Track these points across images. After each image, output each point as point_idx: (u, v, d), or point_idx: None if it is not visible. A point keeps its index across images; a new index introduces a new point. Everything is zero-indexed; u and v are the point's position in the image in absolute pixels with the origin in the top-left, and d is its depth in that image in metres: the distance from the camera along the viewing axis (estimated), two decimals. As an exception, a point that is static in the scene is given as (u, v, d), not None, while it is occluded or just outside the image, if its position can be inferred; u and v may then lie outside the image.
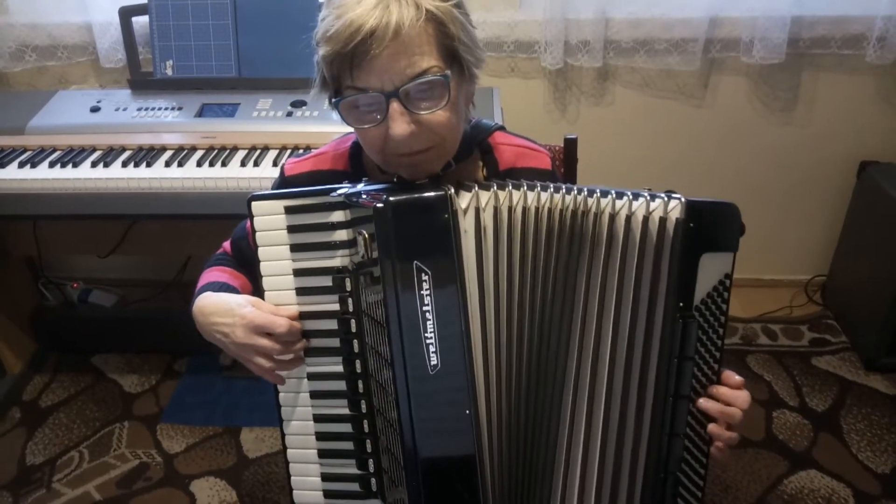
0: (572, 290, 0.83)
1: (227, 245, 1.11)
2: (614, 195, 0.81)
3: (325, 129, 1.78)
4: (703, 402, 0.85)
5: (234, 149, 1.78)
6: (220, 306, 0.92)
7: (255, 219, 0.89)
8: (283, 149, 1.77)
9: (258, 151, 1.76)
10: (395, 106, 0.81)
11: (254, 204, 0.89)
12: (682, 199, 0.80)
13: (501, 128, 1.06)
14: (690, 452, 0.88)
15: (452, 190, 0.81)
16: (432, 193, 0.81)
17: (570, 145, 1.44)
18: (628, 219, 0.81)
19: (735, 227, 0.82)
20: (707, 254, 0.82)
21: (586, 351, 0.85)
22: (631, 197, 0.81)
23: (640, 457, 0.87)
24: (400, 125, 0.82)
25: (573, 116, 2.25)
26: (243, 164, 1.71)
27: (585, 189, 0.82)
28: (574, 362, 0.85)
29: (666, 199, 0.81)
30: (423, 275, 0.80)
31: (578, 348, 0.85)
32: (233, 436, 2.03)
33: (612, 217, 0.81)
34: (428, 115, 0.83)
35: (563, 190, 0.82)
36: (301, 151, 1.77)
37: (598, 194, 0.82)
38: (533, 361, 0.85)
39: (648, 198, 0.81)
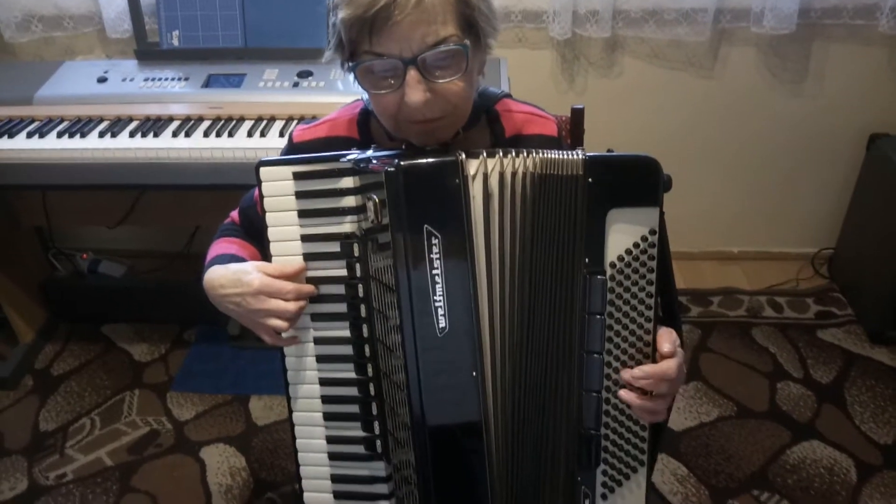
0: (548, 250, 0.85)
1: (234, 214, 1.12)
2: (559, 155, 0.83)
3: (331, 99, 1.78)
4: (624, 373, 0.86)
5: (241, 119, 1.78)
6: (228, 277, 0.93)
7: (263, 184, 0.89)
8: (289, 119, 1.77)
9: (265, 122, 1.76)
10: (412, 73, 0.82)
11: (262, 169, 0.89)
12: (580, 155, 0.81)
13: (508, 95, 1.06)
14: (622, 411, 0.89)
15: (463, 155, 0.81)
16: (444, 158, 0.81)
17: (577, 115, 1.44)
18: (556, 178, 0.83)
19: (650, 182, 0.81)
20: (616, 209, 0.82)
21: (548, 308, 0.86)
22: (555, 156, 0.83)
23: (566, 413, 0.89)
24: (416, 93, 0.82)
25: (581, 88, 2.24)
26: (250, 134, 1.72)
27: (559, 152, 0.84)
28: (551, 322, 0.87)
29: (572, 156, 0.82)
30: (433, 239, 0.81)
31: (547, 305, 0.86)
32: (241, 404, 2.06)
33: (558, 176, 0.83)
34: (444, 84, 0.84)
35: (543, 154, 0.83)
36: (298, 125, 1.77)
37: (560, 155, 0.83)
38: (531, 324, 0.87)
39: (564, 156, 0.82)
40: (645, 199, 0.82)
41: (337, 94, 1.80)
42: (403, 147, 0.89)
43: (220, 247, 1.04)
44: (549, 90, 2.24)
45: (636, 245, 0.83)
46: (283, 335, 0.93)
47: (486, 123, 1.02)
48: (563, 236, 0.84)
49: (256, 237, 1.07)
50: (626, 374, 0.86)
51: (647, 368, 0.85)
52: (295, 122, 1.76)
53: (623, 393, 0.86)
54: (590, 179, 0.81)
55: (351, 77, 1.88)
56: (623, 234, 0.83)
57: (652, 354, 0.87)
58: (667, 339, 0.87)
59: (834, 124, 2.25)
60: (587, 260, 0.83)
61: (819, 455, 1.84)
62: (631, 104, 2.26)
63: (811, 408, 1.97)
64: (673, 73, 2.20)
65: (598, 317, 0.85)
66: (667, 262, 0.86)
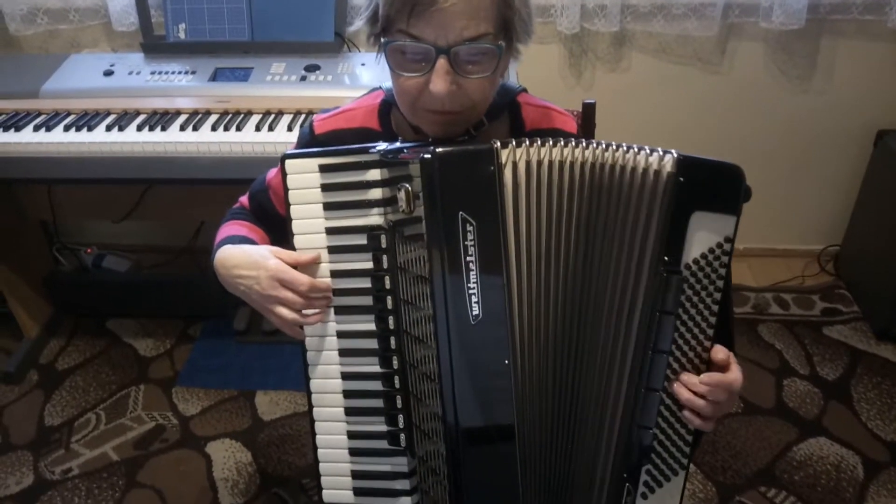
0: (593, 242, 0.84)
1: (244, 199, 1.12)
2: (624, 148, 0.82)
3: (339, 93, 1.77)
4: (685, 377, 0.85)
5: (249, 113, 1.77)
6: (244, 258, 0.93)
7: (288, 177, 0.89)
8: (297, 113, 1.77)
9: (272, 116, 1.75)
10: (441, 62, 0.82)
11: (288, 162, 0.89)
12: (675, 154, 0.81)
13: (525, 90, 1.06)
14: (673, 414, 0.88)
15: (498, 143, 0.81)
16: (479, 147, 0.81)
17: (589, 110, 1.44)
18: (633, 170, 0.82)
19: (734, 190, 0.82)
20: (700, 212, 0.81)
21: (598, 301, 0.86)
22: (636, 150, 0.82)
23: (619, 408, 0.88)
24: (442, 82, 0.82)
25: (588, 83, 2.24)
26: (258, 128, 1.71)
27: (603, 143, 0.83)
28: (590, 312, 0.86)
29: (661, 153, 0.81)
30: (468, 226, 0.81)
31: (594, 299, 0.86)
32: (247, 399, 2.06)
33: (623, 168, 0.82)
34: (470, 80, 0.84)
35: (583, 144, 0.83)
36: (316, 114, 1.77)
37: (613, 147, 0.82)
38: (561, 314, 0.86)
39: (648, 151, 0.81)
40: (727, 206, 0.82)
41: (345, 89, 1.79)
42: (430, 140, 0.89)
43: (230, 228, 1.04)
44: (557, 85, 2.24)
45: (711, 251, 0.82)
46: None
47: (508, 116, 1.02)
48: (627, 230, 0.83)
49: (266, 222, 1.08)
50: (692, 378, 0.85)
51: (716, 377, 0.84)
52: (303, 116, 1.76)
53: (686, 394, 0.85)
54: (681, 178, 0.80)
55: (359, 70, 1.85)
56: (701, 238, 0.82)
57: (707, 361, 0.86)
58: (722, 349, 0.86)
59: (841, 120, 2.25)
60: (667, 258, 0.83)
61: (826, 452, 1.84)
62: (638, 99, 2.25)
63: (818, 405, 1.97)
64: (680, 67, 2.20)
65: (670, 316, 0.84)
66: (729, 277, 0.85)
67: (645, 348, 0.86)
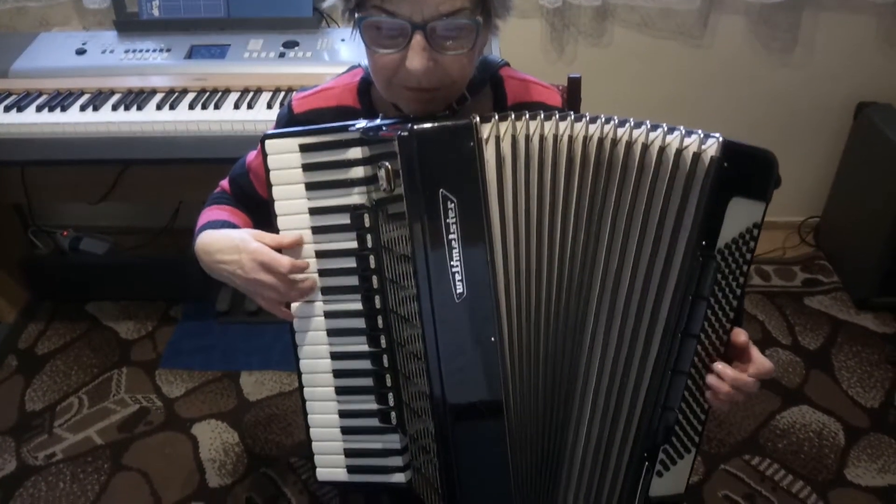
0: (598, 220, 0.82)
1: (224, 183, 1.11)
2: (648, 126, 0.80)
3: (318, 70, 1.75)
4: (727, 370, 0.84)
5: (227, 91, 1.74)
6: (225, 243, 0.92)
7: (269, 157, 0.87)
8: (276, 91, 1.74)
9: (251, 94, 1.72)
10: (418, 38, 0.80)
11: (268, 142, 0.87)
12: (720, 138, 0.79)
13: (507, 64, 1.05)
14: (692, 395, 0.88)
15: (478, 118, 0.79)
16: (457, 122, 0.80)
17: (574, 85, 1.42)
18: (661, 150, 0.79)
19: (770, 177, 0.81)
20: (737, 198, 0.80)
21: (608, 282, 0.84)
22: (666, 130, 0.80)
23: (642, 390, 0.88)
24: (418, 59, 0.80)
25: (570, 57, 2.22)
26: (236, 106, 1.68)
27: (615, 119, 0.80)
28: (596, 292, 0.85)
29: (702, 135, 0.79)
30: (448, 203, 0.79)
31: (602, 278, 0.84)
32: (232, 380, 2.05)
33: (646, 147, 0.79)
34: (447, 56, 0.82)
35: (587, 119, 0.80)
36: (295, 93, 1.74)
37: (631, 125, 0.80)
38: (556, 293, 0.85)
39: (684, 132, 0.79)
40: (759, 193, 0.81)
41: (324, 65, 1.77)
42: (411, 116, 0.87)
43: (211, 213, 1.03)
44: (539, 60, 2.22)
45: (741, 236, 0.82)
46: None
47: (490, 90, 1.01)
48: (653, 211, 0.81)
49: (248, 205, 1.06)
50: (729, 371, 0.84)
51: (761, 369, 0.84)
52: (282, 93, 1.73)
53: (715, 383, 0.84)
54: (725, 164, 0.78)
55: (338, 45, 1.82)
56: (734, 223, 0.81)
57: (727, 343, 0.86)
58: (743, 332, 0.86)
59: (822, 92, 2.25)
60: (704, 243, 0.81)
61: (808, 419, 1.87)
62: (620, 73, 2.24)
63: (800, 374, 2.00)
64: (662, 41, 2.18)
65: (702, 300, 0.83)
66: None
67: (675, 331, 0.84)
